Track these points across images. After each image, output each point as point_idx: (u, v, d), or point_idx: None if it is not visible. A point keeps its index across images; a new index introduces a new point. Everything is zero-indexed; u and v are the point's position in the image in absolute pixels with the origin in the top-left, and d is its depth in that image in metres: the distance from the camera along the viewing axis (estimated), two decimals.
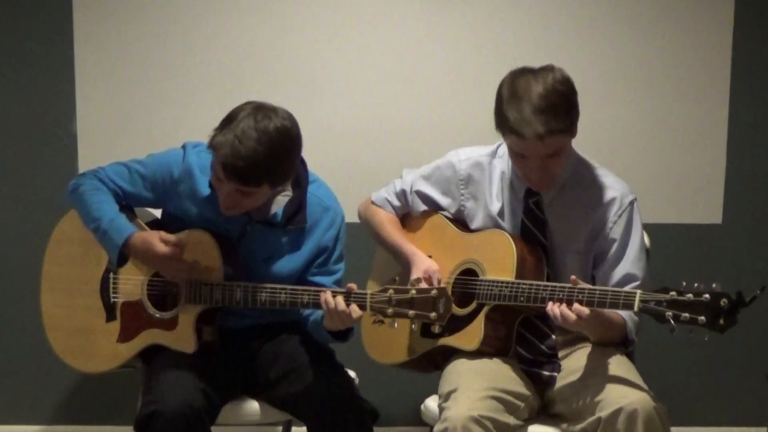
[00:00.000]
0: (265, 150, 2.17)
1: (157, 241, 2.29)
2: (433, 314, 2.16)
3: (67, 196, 2.43)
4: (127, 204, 2.46)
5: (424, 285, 2.20)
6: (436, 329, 2.29)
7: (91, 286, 2.48)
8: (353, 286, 2.23)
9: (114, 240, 2.32)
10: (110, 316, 2.45)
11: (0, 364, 3.34)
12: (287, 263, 2.42)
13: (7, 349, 3.33)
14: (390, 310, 2.18)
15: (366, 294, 2.21)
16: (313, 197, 2.44)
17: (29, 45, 3.21)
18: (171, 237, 2.29)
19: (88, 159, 3.22)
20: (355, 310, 2.20)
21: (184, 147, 2.44)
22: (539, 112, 2.15)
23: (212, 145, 2.22)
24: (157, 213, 2.58)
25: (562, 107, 2.18)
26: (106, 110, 3.22)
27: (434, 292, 2.17)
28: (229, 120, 2.22)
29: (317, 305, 2.27)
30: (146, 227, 2.45)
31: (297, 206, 2.40)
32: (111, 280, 2.45)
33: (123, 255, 2.33)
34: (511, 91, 2.21)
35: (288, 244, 2.42)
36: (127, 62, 3.20)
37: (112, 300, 2.45)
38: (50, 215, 2.55)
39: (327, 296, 2.22)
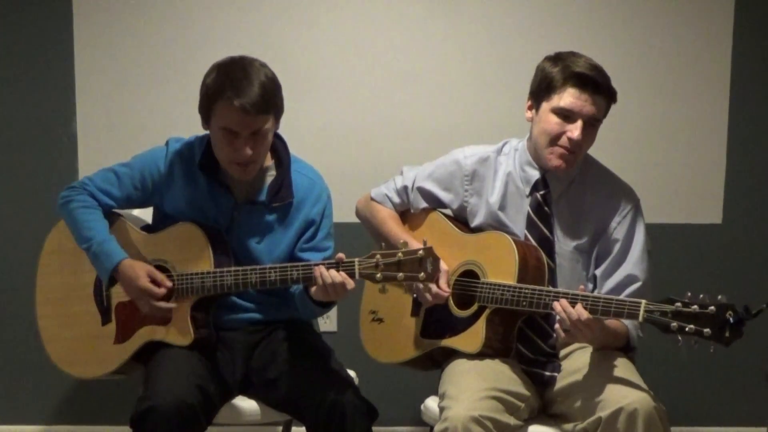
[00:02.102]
0: (263, 77, 2.27)
1: (144, 274, 2.31)
2: (421, 275, 2.17)
3: (58, 209, 2.45)
4: (120, 208, 2.48)
5: (410, 247, 2.20)
6: (423, 289, 2.30)
7: (86, 292, 2.48)
8: (342, 255, 2.24)
9: (105, 264, 2.34)
10: (106, 319, 2.46)
11: (0, 364, 3.35)
12: (279, 241, 2.44)
13: (7, 349, 3.33)
14: (379, 275, 2.19)
15: (354, 261, 2.21)
16: (298, 174, 2.46)
17: (29, 45, 3.21)
18: (158, 275, 2.33)
19: (88, 159, 3.22)
20: (349, 281, 2.21)
21: (167, 142, 2.47)
22: (592, 65, 2.28)
23: (211, 104, 2.26)
24: (147, 217, 2.59)
25: (609, 78, 2.29)
26: (106, 110, 3.23)
27: (421, 252, 2.16)
28: (209, 73, 2.30)
29: (307, 280, 2.27)
30: (139, 231, 2.46)
31: (281, 183, 2.42)
32: (104, 284, 2.46)
33: (113, 278, 2.35)
34: (554, 59, 2.30)
35: (277, 221, 2.44)
36: (127, 62, 3.20)
37: (105, 302, 2.45)
38: (50, 215, 2.55)
39: (321, 270, 2.22)
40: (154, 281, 2.33)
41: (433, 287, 2.30)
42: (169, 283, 2.35)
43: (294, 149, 2.51)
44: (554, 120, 2.29)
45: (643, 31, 3.20)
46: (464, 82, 3.21)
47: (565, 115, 2.27)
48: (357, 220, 2.67)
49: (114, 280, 2.36)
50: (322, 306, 2.36)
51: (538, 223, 2.37)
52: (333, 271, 2.22)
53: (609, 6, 3.19)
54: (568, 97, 2.26)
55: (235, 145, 2.28)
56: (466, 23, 3.20)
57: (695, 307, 1.99)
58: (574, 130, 2.26)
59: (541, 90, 2.31)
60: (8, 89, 3.24)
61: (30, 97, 3.24)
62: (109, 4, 3.19)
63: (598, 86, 2.26)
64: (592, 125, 2.29)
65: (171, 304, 2.33)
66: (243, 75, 2.25)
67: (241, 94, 2.22)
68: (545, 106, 2.30)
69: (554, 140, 2.30)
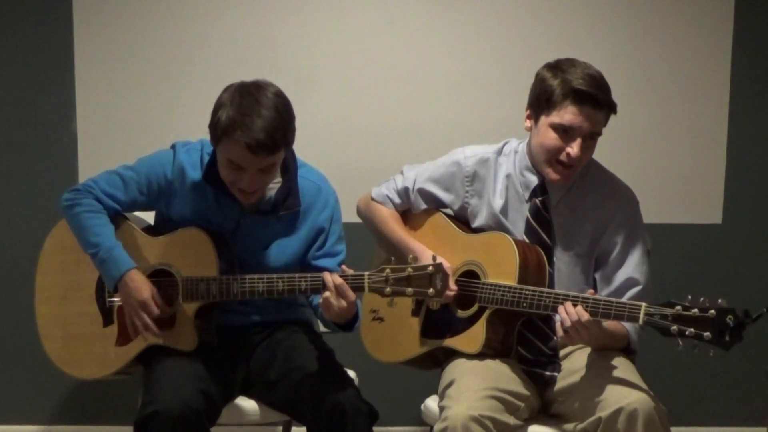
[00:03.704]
0: (275, 114, 2.21)
1: (148, 289, 2.31)
2: (430, 290, 2.17)
3: (62, 210, 2.42)
4: (124, 211, 2.47)
5: (419, 263, 2.20)
6: (434, 305, 2.31)
7: (87, 292, 2.47)
8: (348, 269, 2.24)
9: (112, 272, 2.33)
10: (107, 321, 2.45)
11: (0, 364, 3.35)
12: (285, 249, 2.43)
13: (7, 349, 3.33)
14: (388, 289, 2.19)
15: (363, 275, 2.21)
16: (304, 180, 2.45)
17: (29, 45, 3.21)
18: (159, 300, 2.33)
19: (88, 159, 3.22)
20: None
21: (173, 147, 2.45)
22: (592, 77, 2.24)
23: (220, 136, 2.23)
24: (149, 218, 2.58)
25: (609, 90, 2.26)
26: (106, 110, 3.23)
27: (430, 268, 2.17)
28: (222, 105, 2.24)
29: (315, 291, 2.27)
30: (143, 233, 2.45)
31: (287, 191, 2.41)
32: (106, 285, 2.45)
33: (117, 286, 2.35)
34: (554, 69, 2.27)
35: (283, 230, 2.43)
36: (127, 63, 3.20)
37: (108, 304, 2.45)
38: (50, 215, 2.55)
39: (333, 278, 2.22)
40: (156, 302, 2.32)
41: None
42: (166, 309, 2.34)
43: (296, 149, 2.50)
44: (553, 135, 2.27)
45: (643, 31, 3.20)
46: (464, 82, 3.21)
47: (564, 131, 2.25)
48: (357, 220, 2.67)
49: (117, 287, 2.35)
50: (341, 327, 2.36)
51: (537, 228, 2.36)
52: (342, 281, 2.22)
53: (609, 6, 3.19)
54: (567, 115, 2.23)
55: (240, 175, 2.27)
56: (467, 23, 3.20)
57: (695, 310, 1.99)
58: (574, 147, 2.25)
59: (540, 103, 2.28)
60: (8, 89, 3.24)
61: (30, 97, 3.24)
62: (109, 4, 3.19)
63: (597, 102, 2.23)
64: (591, 138, 2.27)
65: (155, 330, 2.32)
66: (254, 111, 2.20)
67: (250, 134, 2.18)
68: (544, 119, 2.28)
69: (553, 156, 2.28)
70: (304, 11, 3.19)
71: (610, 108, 2.27)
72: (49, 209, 2.49)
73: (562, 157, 2.27)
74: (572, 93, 2.21)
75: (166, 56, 3.20)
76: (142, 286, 2.31)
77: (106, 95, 3.22)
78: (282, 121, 2.23)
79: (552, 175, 2.30)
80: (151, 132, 3.16)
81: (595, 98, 2.22)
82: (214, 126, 2.25)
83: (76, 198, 2.40)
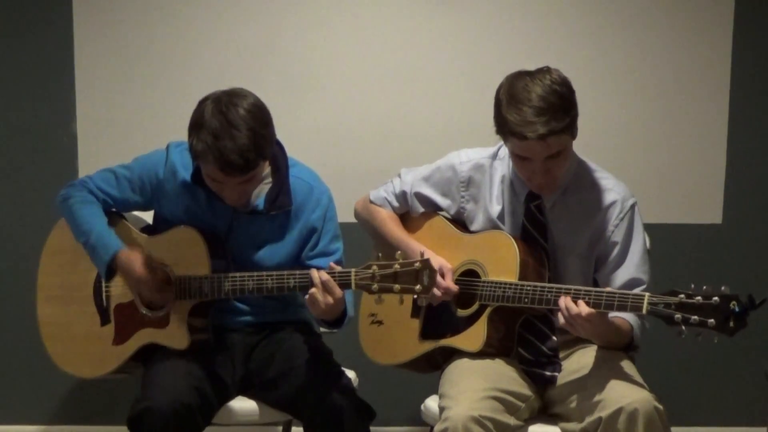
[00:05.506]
0: (248, 134, 2.18)
1: (140, 262, 2.31)
2: (417, 287, 2.16)
3: (57, 206, 2.45)
4: (118, 210, 2.49)
5: (407, 258, 2.19)
6: (423, 302, 2.31)
7: (85, 292, 2.48)
8: (336, 266, 2.24)
9: (101, 256, 2.35)
10: (104, 320, 2.46)
11: (0, 364, 3.35)
12: (279, 249, 2.44)
13: (7, 349, 3.33)
14: (375, 286, 2.18)
15: (350, 272, 2.21)
16: (296, 180, 2.45)
17: (29, 45, 3.21)
18: (154, 261, 2.33)
19: (88, 159, 3.23)
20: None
21: (167, 147, 2.46)
22: (540, 113, 2.15)
23: (196, 156, 2.24)
24: (149, 217, 2.59)
25: (561, 107, 2.18)
26: (106, 110, 3.23)
27: (417, 264, 2.16)
28: (197, 125, 2.21)
29: (304, 288, 2.27)
30: (139, 232, 2.46)
31: (278, 190, 2.41)
32: (103, 284, 2.46)
33: (111, 269, 2.36)
34: (509, 95, 2.21)
35: (276, 229, 2.43)
36: (127, 63, 3.20)
37: (105, 303, 2.45)
38: (50, 215, 2.55)
39: (320, 274, 2.22)
40: (151, 268, 2.33)
41: (443, 282, 2.30)
42: (165, 267, 2.34)
43: (294, 150, 2.50)
44: (517, 161, 2.26)
45: (643, 31, 3.19)
46: (464, 83, 3.21)
47: (524, 158, 2.23)
48: (355, 221, 2.67)
49: (112, 271, 2.36)
50: (329, 324, 2.37)
51: (533, 232, 2.35)
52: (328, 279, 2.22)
53: (609, 6, 3.19)
54: (520, 149, 2.21)
55: (222, 187, 2.28)
56: (466, 23, 3.20)
57: (699, 298, 1.99)
58: (536, 174, 2.23)
59: (498, 128, 2.25)
60: (8, 89, 3.25)
61: (30, 97, 3.25)
62: (109, 4, 3.19)
63: (544, 137, 2.15)
64: (555, 156, 2.22)
65: (166, 296, 2.34)
66: (226, 135, 2.16)
67: (223, 159, 2.16)
68: (508, 144, 2.26)
69: (525, 179, 2.29)
70: (303, 13, 3.19)
71: (563, 131, 2.19)
72: (50, 209, 2.50)
73: (534, 179, 2.26)
74: (519, 132, 2.17)
75: (167, 57, 3.20)
76: (133, 263, 2.32)
77: (106, 95, 3.22)
78: (256, 138, 2.19)
79: (534, 188, 2.31)
80: (151, 133, 3.16)
81: (541, 135, 2.15)
82: (190, 147, 2.24)
83: (69, 192, 2.43)
